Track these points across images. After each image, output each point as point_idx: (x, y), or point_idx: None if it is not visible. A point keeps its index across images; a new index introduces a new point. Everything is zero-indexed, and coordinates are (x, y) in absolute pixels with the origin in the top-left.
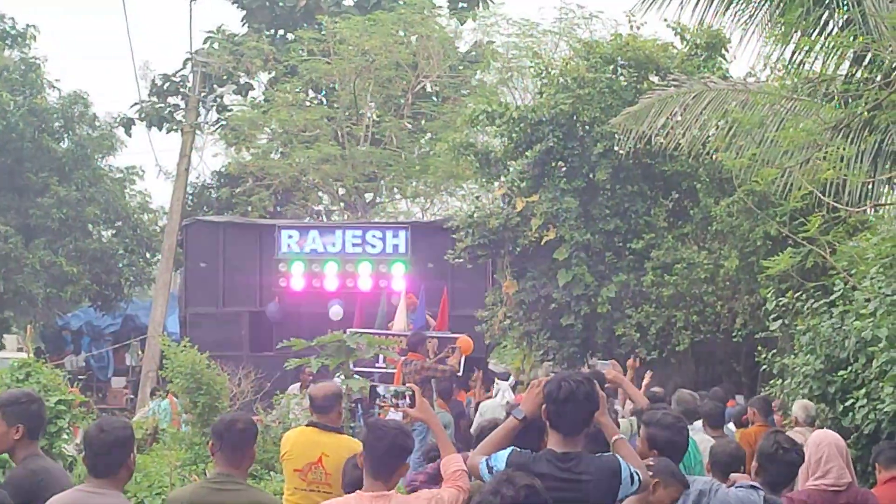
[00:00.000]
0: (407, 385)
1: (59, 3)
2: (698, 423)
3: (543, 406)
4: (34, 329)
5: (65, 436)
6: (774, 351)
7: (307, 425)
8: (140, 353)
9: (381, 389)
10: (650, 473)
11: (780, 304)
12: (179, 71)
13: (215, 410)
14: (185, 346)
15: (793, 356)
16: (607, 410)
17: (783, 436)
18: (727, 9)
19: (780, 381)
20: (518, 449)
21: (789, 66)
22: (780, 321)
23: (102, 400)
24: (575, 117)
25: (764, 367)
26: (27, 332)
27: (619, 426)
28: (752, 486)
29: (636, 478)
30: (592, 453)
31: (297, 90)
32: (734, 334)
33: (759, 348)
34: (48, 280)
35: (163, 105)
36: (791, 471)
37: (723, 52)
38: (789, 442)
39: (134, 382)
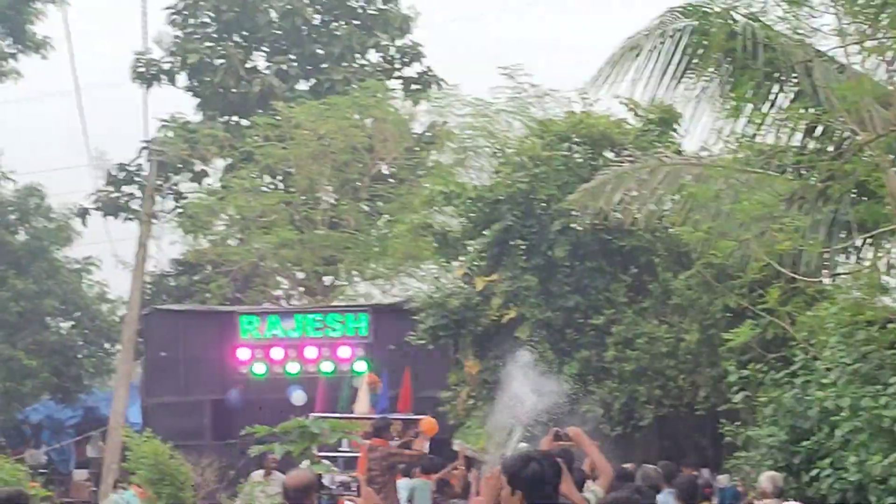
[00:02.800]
0: (352, 475)
1: (11, 94)
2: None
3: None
4: None
5: None
6: (738, 423)
7: None
8: (102, 444)
9: (326, 480)
10: None
11: (742, 376)
12: (135, 160)
13: (180, 501)
14: (147, 436)
15: (756, 428)
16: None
17: None
18: (678, 84)
19: (745, 452)
20: None
21: (742, 139)
22: (742, 393)
23: (65, 493)
24: (532, 195)
25: (728, 439)
26: None
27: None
28: None
29: None
30: None
31: (254, 176)
32: (697, 407)
33: (723, 421)
34: (7, 374)
35: (119, 194)
36: None
37: (675, 126)
38: None
39: (95, 475)
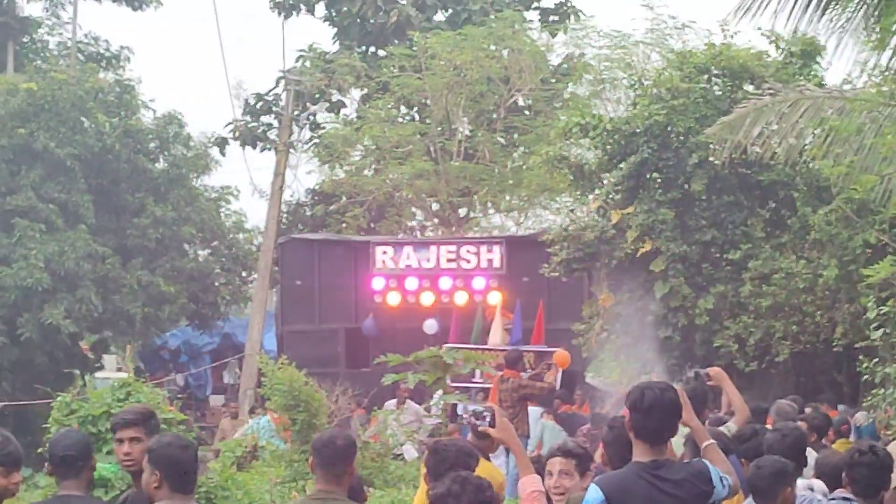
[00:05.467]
0: (486, 405)
1: (152, 24)
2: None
3: (627, 417)
4: (133, 349)
5: None
6: (876, 360)
7: None
8: (238, 371)
9: (459, 409)
10: None
11: (881, 312)
12: (272, 90)
13: (314, 427)
14: (282, 363)
15: (895, 365)
16: (703, 416)
17: (862, 442)
18: (822, 16)
19: (883, 390)
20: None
21: (887, 72)
22: (881, 330)
23: (202, 418)
24: (669, 128)
25: (865, 376)
26: (126, 351)
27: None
28: (845, 499)
29: (726, 482)
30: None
31: (390, 106)
32: (834, 344)
33: (861, 358)
34: (146, 300)
35: (256, 124)
36: (876, 474)
37: (818, 59)
38: (866, 446)
39: (231, 400)
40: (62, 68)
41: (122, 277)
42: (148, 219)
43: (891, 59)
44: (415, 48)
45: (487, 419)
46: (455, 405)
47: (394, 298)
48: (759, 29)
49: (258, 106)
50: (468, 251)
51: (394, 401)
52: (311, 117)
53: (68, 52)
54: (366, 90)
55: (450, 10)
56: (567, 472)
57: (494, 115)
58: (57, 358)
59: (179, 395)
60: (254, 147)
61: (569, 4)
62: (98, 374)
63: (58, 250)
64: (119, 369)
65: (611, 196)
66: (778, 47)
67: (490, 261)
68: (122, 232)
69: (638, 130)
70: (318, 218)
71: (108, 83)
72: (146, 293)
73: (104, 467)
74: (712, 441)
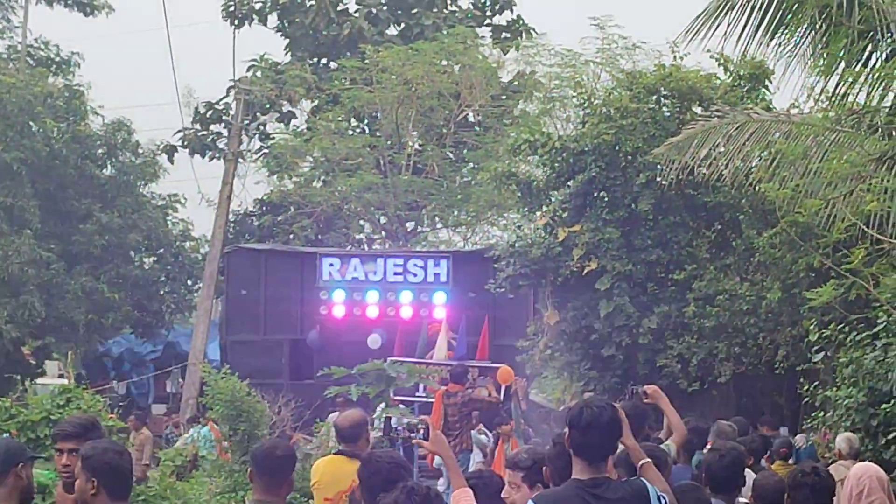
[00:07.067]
0: (420, 418)
1: (103, 30)
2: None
3: (566, 434)
4: (75, 355)
5: None
6: (817, 383)
7: (336, 454)
8: (181, 380)
9: (394, 422)
10: None
11: (823, 336)
12: (222, 99)
13: (255, 438)
14: (225, 373)
15: (835, 388)
16: (641, 435)
17: (805, 464)
18: (771, 40)
19: (823, 413)
20: (542, 493)
21: (833, 98)
22: (822, 353)
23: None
24: (618, 147)
25: (806, 399)
26: (68, 358)
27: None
28: None
29: (664, 500)
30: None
31: (340, 118)
32: (776, 366)
33: (802, 380)
34: (90, 306)
35: (206, 133)
36: (818, 496)
37: (766, 83)
38: (809, 467)
39: (173, 410)
40: (11, 72)
41: (66, 283)
42: (94, 225)
43: (837, 84)
44: (366, 61)
45: (422, 432)
46: (389, 419)
47: (339, 311)
48: (709, 51)
49: (208, 115)
50: (415, 265)
51: (336, 413)
52: (261, 127)
53: (18, 56)
54: (316, 102)
55: (402, 25)
56: (515, 485)
57: (444, 130)
58: None
59: (121, 403)
60: (202, 156)
61: (521, 22)
62: (39, 380)
63: (1, 255)
64: (61, 375)
65: (558, 214)
66: (727, 70)
67: (437, 275)
68: (68, 238)
69: (586, 149)
70: (265, 228)
71: (58, 88)
72: (90, 300)
73: (42, 473)
74: (648, 460)
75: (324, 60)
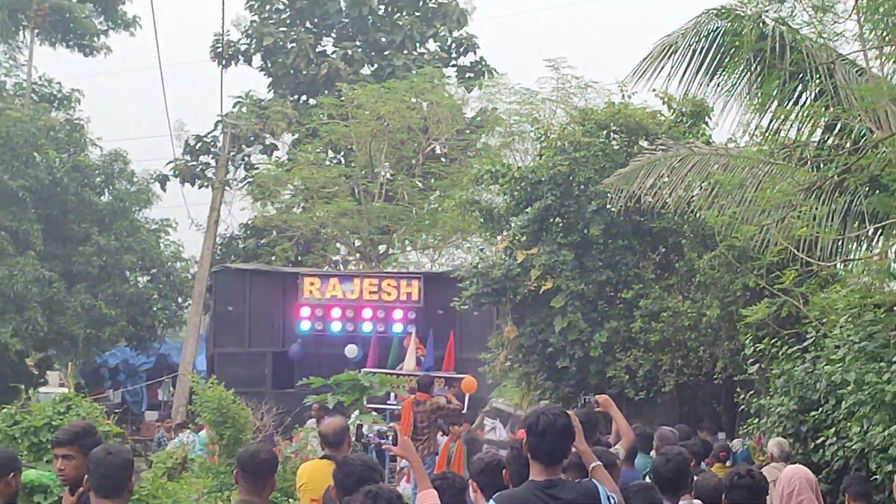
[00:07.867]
0: (390, 425)
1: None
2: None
3: (524, 440)
4: (75, 366)
5: None
6: (752, 392)
7: (321, 458)
8: (171, 389)
9: (365, 429)
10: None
11: (758, 349)
12: (211, 132)
13: (240, 442)
14: (212, 382)
15: (768, 397)
16: (593, 440)
17: (740, 466)
18: (710, 80)
19: (757, 420)
20: (501, 493)
21: (767, 133)
22: (757, 365)
23: (137, 432)
24: (571, 178)
25: (742, 406)
26: (68, 368)
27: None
28: None
29: (613, 500)
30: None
31: (318, 150)
32: (715, 377)
33: (738, 390)
34: (88, 322)
35: (195, 163)
36: (753, 496)
37: (706, 119)
38: (744, 470)
39: (165, 416)
40: (17, 107)
41: (66, 300)
42: (92, 247)
43: (770, 121)
44: (342, 98)
45: (391, 438)
46: (361, 426)
47: (318, 325)
48: (654, 91)
49: (197, 146)
50: (389, 284)
51: (313, 420)
52: (246, 158)
53: (23, 93)
54: (296, 135)
55: (375, 65)
56: (474, 490)
57: (413, 161)
58: (4, 373)
59: (116, 410)
60: (192, 184)
61: (483, 63)
62: (42, 389)
63: (7, 274)
64: (61, 385)
65: (517, 238)
66: (670, 108)
67: (409, 294)
68: (69, 259)
69: (543, 179)
70: (249, 250)
71: (59, 122)
72: (89, 315)
73: (44, 475)
74: (599, 463)
75: (304, 97)
